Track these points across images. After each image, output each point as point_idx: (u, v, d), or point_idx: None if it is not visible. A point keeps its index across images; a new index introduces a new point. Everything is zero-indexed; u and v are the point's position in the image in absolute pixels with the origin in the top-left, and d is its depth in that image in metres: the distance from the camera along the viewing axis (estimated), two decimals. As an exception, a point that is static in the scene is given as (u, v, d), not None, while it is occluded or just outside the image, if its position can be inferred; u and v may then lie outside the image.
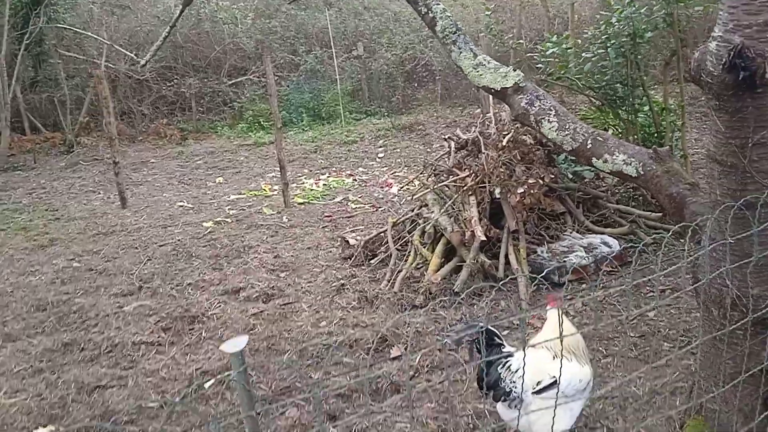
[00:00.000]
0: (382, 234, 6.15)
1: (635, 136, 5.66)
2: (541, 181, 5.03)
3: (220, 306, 5.23)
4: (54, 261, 6.83)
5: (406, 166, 10.50)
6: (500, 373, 2.69)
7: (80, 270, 6.51)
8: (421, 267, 5.38)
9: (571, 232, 5.28)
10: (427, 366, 3.93)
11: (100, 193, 10.37)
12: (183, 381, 4.02)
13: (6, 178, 11.99)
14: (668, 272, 4.08)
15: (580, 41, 5.79)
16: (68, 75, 15.01)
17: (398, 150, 12.11)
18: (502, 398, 2.70)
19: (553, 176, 5.38)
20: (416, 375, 3.84)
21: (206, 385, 3.94)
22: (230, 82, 16.64)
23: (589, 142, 3.20)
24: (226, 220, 8.14)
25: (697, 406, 2.84)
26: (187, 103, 16.40)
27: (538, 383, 2.68)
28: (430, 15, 3.74)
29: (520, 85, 3.46)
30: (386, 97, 16.02)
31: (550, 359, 2.69)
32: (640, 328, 4.03)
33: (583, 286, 4.80)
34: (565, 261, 4.90)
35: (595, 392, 3.30)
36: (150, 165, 12.60)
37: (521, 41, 8.46)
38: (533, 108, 3.39)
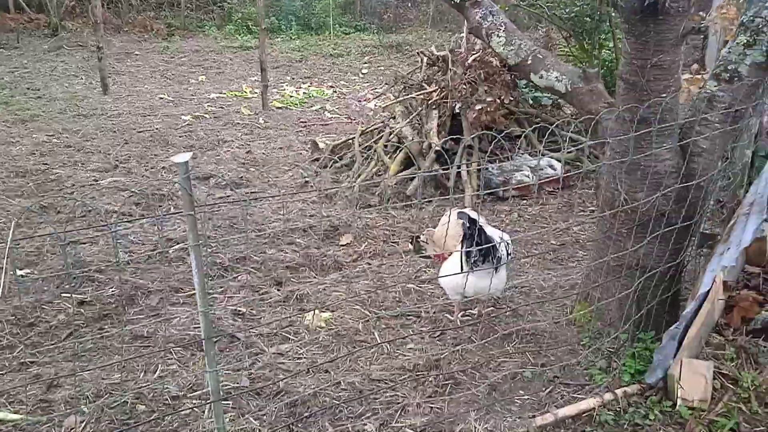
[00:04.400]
0: (350, 141, 6.49)
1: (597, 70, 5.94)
2: (498, 101, 5.37)
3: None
4: (34, 135, 7.09)
5: (387, 83, 10.68)
6: (497, 249, 3.10)
7: (59, 146, 6.79)
8: (382, 173, 5.76)
9: (522, 154, 5.67)
10: (370, 253, 4.38)
11: (82, 78, 10.46)
12: (150, 245, 4.43)
13: (-12, 55, 11.97)
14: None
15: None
16: (55, -45, 14.62)
17: (382, 68, 12.24)
18: (499, 263, 3.13)
19: (512, 99, 5.70)
20: (359, 259, 4.29)
21: (170, 250, 4.37)
22: (221, -19, 16.33)
23: (530, 58, 3.52)
24: (205, 115, 8.39)
25: (585, 294, 3.32)
26: (176, -1, 16.14)
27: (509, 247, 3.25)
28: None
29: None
30: (378, 13, 15.92)
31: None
32: (562, 238, 4.51)
33: (524, 201, 5.23)
34: (511, 179, 5.31)
35: (509, 282, 3.79)
36: (134, 57, 12.60)
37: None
38: (486, 22, 3.67)
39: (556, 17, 6.05)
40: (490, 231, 3.19)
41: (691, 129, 2.82)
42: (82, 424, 2.68)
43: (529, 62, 3.52)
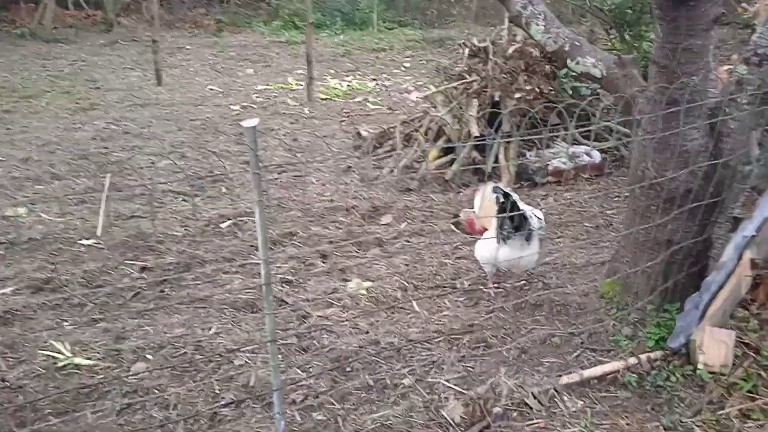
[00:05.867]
0: (392, 129, 6.70)
1: (633, 56, 6.01)
2: (538, 90, 5.51)
3: (239, 171, 5.91)
4: (95, 122, 7.54)
5: (428, 77, 10.87)
6: (528, 220, 3.31)
7: (118, 132, 7.21)
8: (422, 161, 5.97)
9: (560, 142, 5.79)
10: (409, 232, 4.59)
11: (137, 71, 10.96)
12: (203, 221, 4.74)
13: (49, 48, 12.62)
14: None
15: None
16: (113, -46, 15.28)
17: (424, 62, 12.43)
18: (529, 237, 3.34)
19: (552, 89, 5.83)
20: (398, 236, 4.51)
21: (222, 225, 4.67)
22: (268, -22, 16.78)
23: (567, 45, 3.68)
24: (252, 105, 8.74)
25: (614, 269, 3.47)
26: (227, -5, 16.66)
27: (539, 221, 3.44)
28: None
29: (518, -11, 3.90)
30: (421, 9, 16.12)
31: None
32: (596, 221, 4.63)
33: (560, 187, 5.37)
34: (547, 165, 5.46)
35: (542, 259, 3.96)
36: (185, 51, 13.09)
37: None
38: (526, 11, 3.84)
39: (598, 9, 6.14)
40: (523, 206, 3.38)
41: (720, 110, 2.95)
42: (148, 371, 2.98)
43: (566, 49, 3.67)
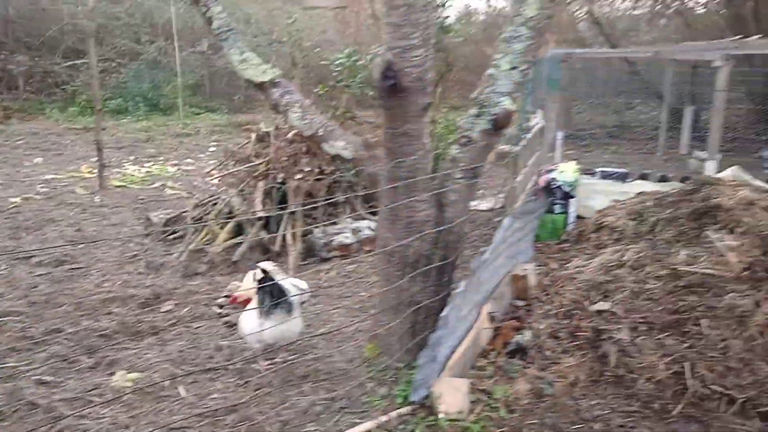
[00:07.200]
0: (184, 213, 6.66)
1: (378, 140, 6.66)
2: (317, 170, 5.85)
3: (7, 269, 5.45)
4: None
5: (219, 161, 10.98)
6: (286, 292, 3.41)
7: None
8: (212, 242, 5.96)
9: (345, 218, 6.15)
10: (190, 316, 4.53)
11: None
12: (-47, 326, 4.27)
13: None
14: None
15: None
16: None
17: (230, 146, 12.54)
18: (289, 309, 3.45)
19: (334, 168, 6.22)
20: (178, 323, 4.43)
21: (-25, 329, 4.24)
22: (65, 64, 16.10)
23: (321, 130, 4.01)
24: (35, 197, 8.16)
25: (374, 333, 3.72)
26: (15, 82, 15.64)
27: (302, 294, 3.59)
28: (208, 14, 4.38)
29: (276, 80, 4.20)
30: (228, 95, 16.39)
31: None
32: (371, 290, 4.94)
33: (345, 260, 5.67)
34: (332, 241, 5.75)
35: (315, 331, 4.13)
36: (-38, 141, 11.98)
37: (318, 49, 9.48)
38: (284, 99, 4.13)
39: (374, 98, 6.72)
40: (283, 280, 3.53)
41: (441, 184, 3.39)
42: None
43: (320, 133, 4.00)
